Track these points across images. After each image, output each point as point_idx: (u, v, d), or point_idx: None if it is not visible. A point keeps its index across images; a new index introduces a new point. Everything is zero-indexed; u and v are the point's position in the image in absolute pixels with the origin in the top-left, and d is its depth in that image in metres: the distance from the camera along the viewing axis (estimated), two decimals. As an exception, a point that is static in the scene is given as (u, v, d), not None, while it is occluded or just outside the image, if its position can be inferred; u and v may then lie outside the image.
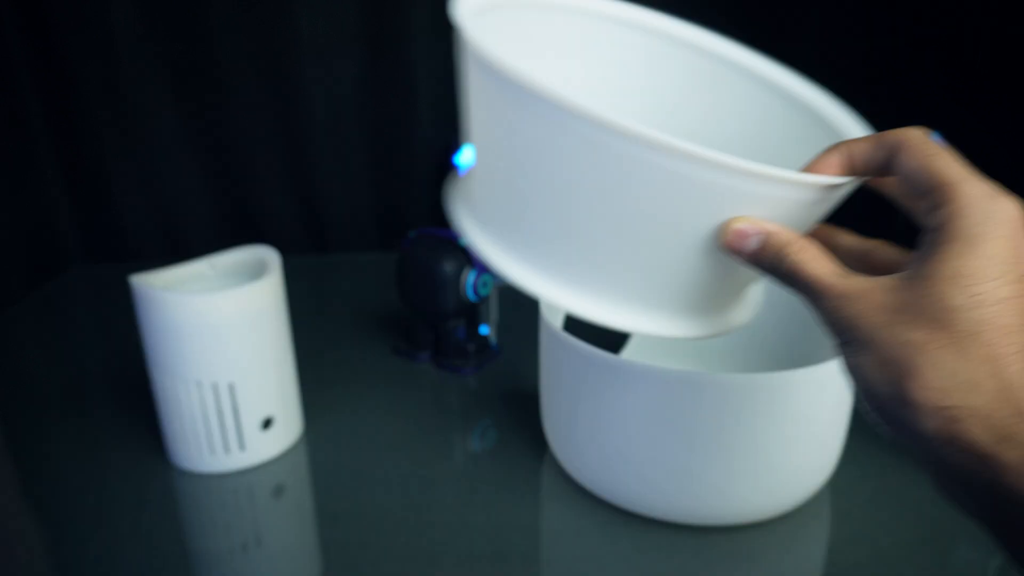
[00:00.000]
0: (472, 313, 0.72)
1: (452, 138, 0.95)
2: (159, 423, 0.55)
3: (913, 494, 0.51)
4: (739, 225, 0.30)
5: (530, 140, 0.31)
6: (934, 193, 0.26)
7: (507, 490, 0.53)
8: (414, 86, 0.95)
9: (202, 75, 0.92)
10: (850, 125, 0.37)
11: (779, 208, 0.30)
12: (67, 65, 0.89)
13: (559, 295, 0.34)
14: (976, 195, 0.25)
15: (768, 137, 0.41)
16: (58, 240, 0.97)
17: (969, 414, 0.23)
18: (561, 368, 0.50)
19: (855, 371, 0.27)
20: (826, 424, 0.47)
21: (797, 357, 0.53)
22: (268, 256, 0.56)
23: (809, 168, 0.31)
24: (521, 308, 0.85)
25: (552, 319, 0.50)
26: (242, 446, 0.54)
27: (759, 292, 0.40)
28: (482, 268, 0.68)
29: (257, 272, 0.55)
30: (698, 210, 0.30)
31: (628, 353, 0.62)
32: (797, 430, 0.45)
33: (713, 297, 0.35)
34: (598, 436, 0.48)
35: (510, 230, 0.35)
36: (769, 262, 0.30)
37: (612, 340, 0.59)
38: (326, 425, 0.61)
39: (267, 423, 0.55)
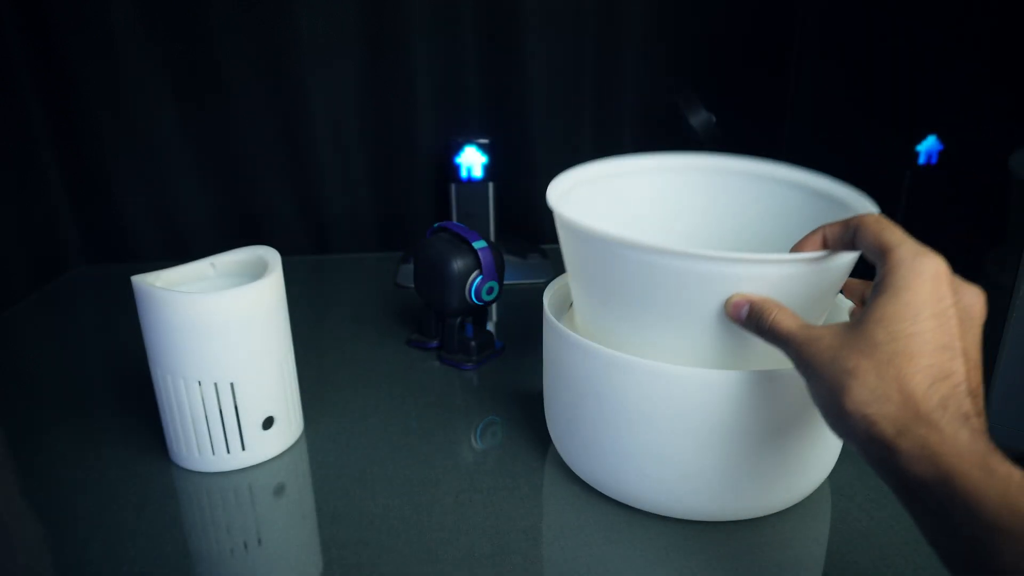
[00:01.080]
0: (480, 313, 0.72)
1: (452, 139, 0.95)
2: (160, 422, 0.55)
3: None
4: (734, 299, 0.42)
5: (605, 266, 0.45)
6: (880, 258, 0.36)
7: (509, 488, 0.53)
8: (414, 87, 0.95)
9: (202, 75, 0.92)
10: (861, 202, 0.48)
11: (776, 282, 0.41)
12: (67, 65, 0.89)
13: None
14: (906, 256, 0.34)
15: (798, 223, 0.51)
16: (59, 240, 0.97)
17: (882, 418, 0.32)
18: (564, 365, 0.50)
19: (814, 396, 0.37)
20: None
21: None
22: (269, 256, 0.56)
23: (795, 247, 0.41)
24: (522, 307, 0.86)
25: (555, 316, 0.50)
26: (243, 445, 0.54)
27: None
28: (490, 275, 0.68)
29: (258, 272, 0.55)
30: (716, 293, 0.42)
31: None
32: (797, 426, 0.45)
33: (735, 354, 0.45)
34: (600, 433, 0.48)
35: (593, 324, 0.49)
36: (755, 324, 0.41)
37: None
38: (327, 424, 0.61)
39: (268, 423, 0.55)
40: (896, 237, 0.35)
